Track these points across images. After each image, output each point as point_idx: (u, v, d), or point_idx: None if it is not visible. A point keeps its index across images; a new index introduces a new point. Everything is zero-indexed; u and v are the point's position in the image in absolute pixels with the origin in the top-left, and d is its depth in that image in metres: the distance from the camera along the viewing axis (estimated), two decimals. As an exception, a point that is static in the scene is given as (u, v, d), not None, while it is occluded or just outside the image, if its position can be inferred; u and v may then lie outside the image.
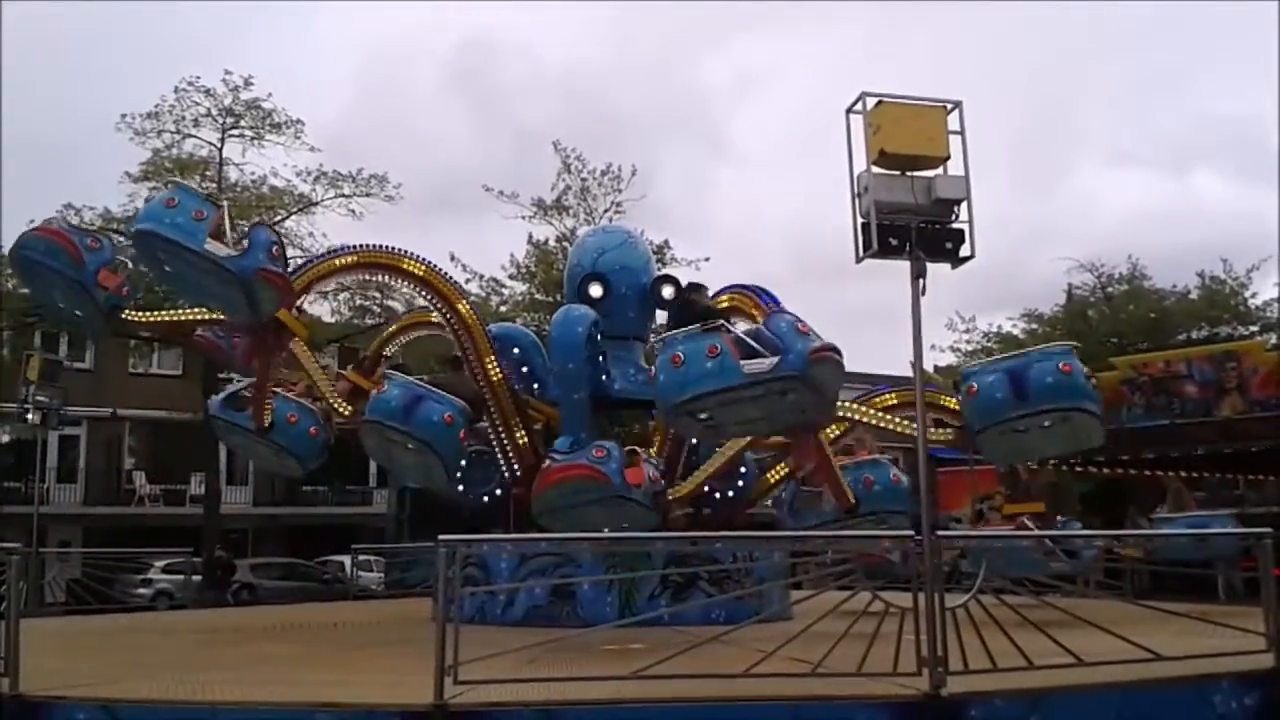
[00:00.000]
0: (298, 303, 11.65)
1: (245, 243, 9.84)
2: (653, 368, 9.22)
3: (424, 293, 12.51)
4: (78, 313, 11.17)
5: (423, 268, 12.19)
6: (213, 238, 9.65)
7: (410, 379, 11.71)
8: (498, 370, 12.28)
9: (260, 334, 11.10)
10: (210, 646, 10.35)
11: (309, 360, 12.90)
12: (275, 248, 10.04)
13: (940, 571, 6.35)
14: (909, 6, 69.03)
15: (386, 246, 12.23)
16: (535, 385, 13.32)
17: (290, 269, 10.91)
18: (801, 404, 9.20)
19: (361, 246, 12.27)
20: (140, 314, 12.59)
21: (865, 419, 12.23)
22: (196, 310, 12.14)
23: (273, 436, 12.22)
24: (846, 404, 11.93)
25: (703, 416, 9.11)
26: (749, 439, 11.61)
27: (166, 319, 13.09)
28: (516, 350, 13.31)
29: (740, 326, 10.12)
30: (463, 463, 11.91)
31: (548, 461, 10.88)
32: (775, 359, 8.73)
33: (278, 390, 12.34)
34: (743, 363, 8.70)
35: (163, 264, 10.06)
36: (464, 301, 12.55)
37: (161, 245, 9.70)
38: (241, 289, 9.74)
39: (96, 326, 11.71)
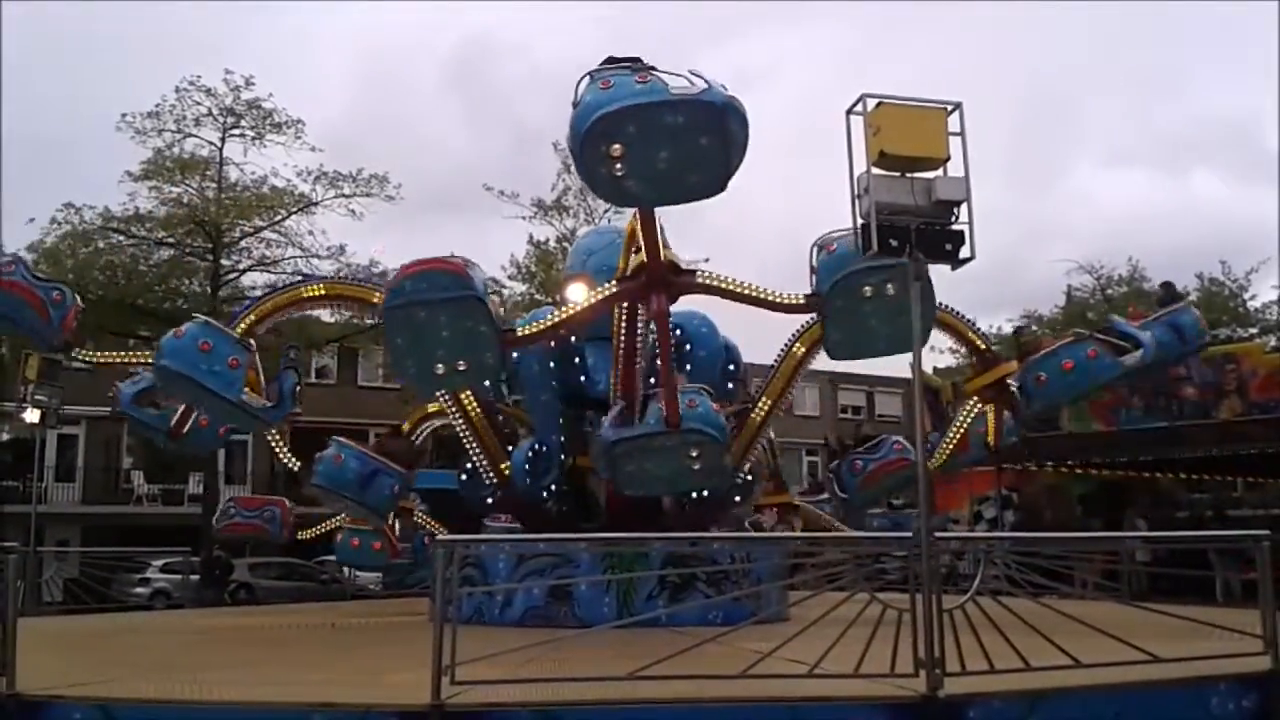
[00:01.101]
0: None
1: (275, 389, 11.40)
2: (575, 100, 8.46)
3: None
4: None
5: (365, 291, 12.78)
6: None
7: (358, 448, 12.52)
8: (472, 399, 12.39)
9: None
10: (207, 646, 10.35)
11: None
12: (298, 388, 11.79)
13: (937, 573, 6.35)
14: (908, 7, 69.13)
15: (356, 278, 12.47)
16: (504, 389, 13.43)
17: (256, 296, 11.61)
18: (712, 150, 8.73)
19: (330, 277, 12.62)
20: (92, 353, 13.09)
21: None
22: (140, 354, 12.88)
23: (182, 442, 12.97)
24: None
25: (615, 153, 8.43)
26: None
27: (114, 359, 13.35)
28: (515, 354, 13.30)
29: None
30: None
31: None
32: (703, 84, 8.39)
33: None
34: (671, 88, 8.37)
35: (180, 390, 10.80)
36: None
37: (193, 388, 10.45)
38: (265, 424, 11.64)
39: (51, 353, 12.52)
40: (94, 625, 13.23)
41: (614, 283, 10.71)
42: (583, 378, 12.86)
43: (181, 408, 12.49)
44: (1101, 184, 65.47)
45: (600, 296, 10.79)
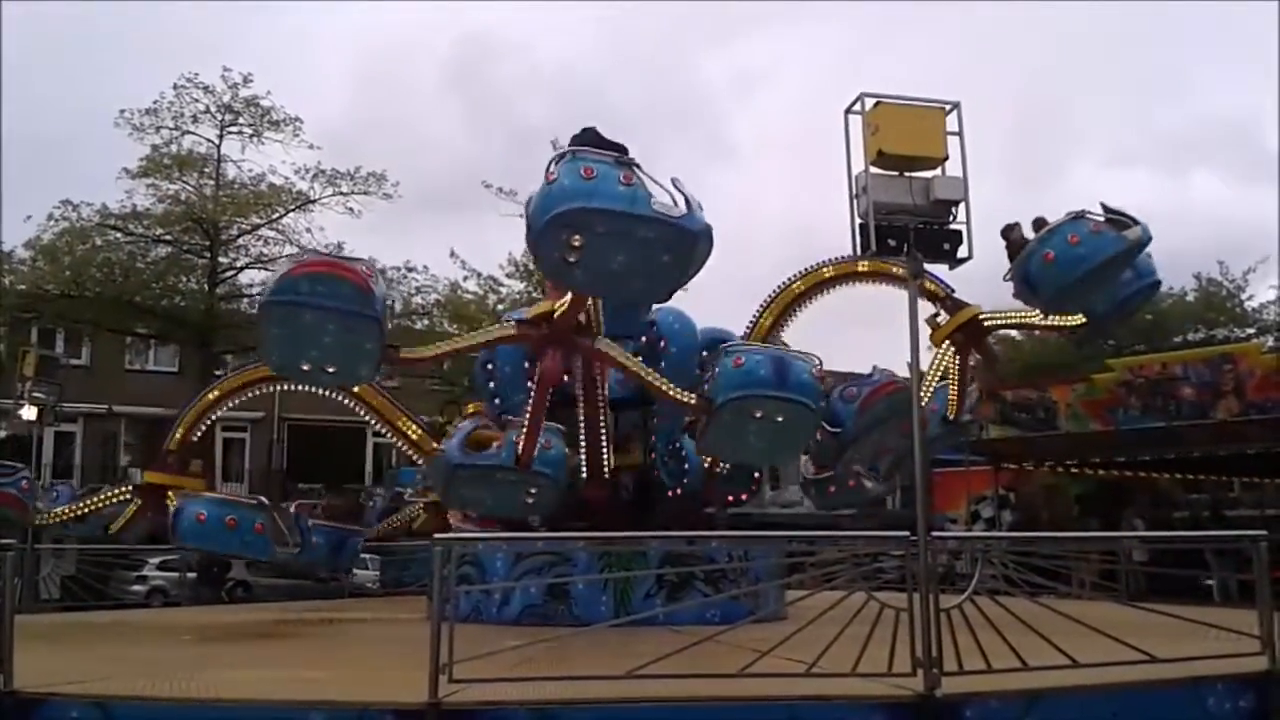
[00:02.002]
0: None
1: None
2: (548, 175, 8.23)
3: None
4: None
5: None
6: None
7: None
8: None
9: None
10: (204, 644, 10.34)
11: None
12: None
13: (935, 572, 6.36)
14: (908, 6, 69.15)
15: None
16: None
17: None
18: (668, 273, 8.84)
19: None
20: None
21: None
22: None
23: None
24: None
25: (575, 243, 8.29)
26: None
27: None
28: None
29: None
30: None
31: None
32: (684, 210, 8.35)
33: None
34: (653, 201, 8.24)
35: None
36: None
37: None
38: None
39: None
40: (91, 622, 13.23)
41: (513, 323, 10.99)
42: (564, 377, 12.82)
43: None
44: (1101, 184, 65.45)
45: (495, 335, 11.07)
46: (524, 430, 10.50)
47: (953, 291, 12.57)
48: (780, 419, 9.93)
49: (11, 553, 6.97)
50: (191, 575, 19.75)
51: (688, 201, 8.27)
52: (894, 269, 11.22)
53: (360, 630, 11.97)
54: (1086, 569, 12.63)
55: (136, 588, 22.79)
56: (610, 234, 8.17)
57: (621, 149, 8.73)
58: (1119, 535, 13.42)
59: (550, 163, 8.36)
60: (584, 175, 8.09)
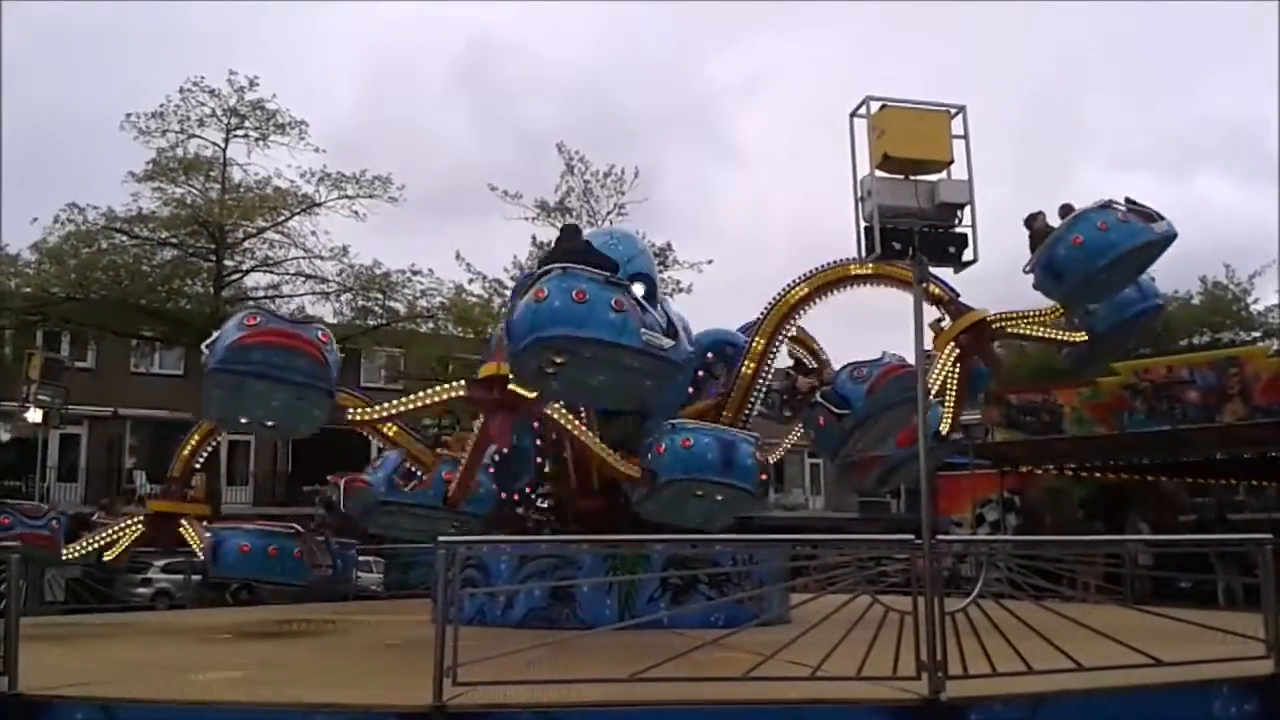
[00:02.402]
0: None
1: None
2: (539, 291, 8.26)
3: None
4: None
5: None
6: None
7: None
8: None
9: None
10: (209, 646, 10.36)
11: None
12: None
13: (940, 576, 6.35)
14: (912, 9, 69.14)
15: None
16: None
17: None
18: (647, 394, 9.10)
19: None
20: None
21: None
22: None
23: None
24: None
25: (558, 360, 8.37)
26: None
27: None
28: None
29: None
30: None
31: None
32: (671, 343, 8.51)
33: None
34: (643, 330, 8.30)
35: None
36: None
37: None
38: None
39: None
40: (96, 625, 13.24)
41: (463, 383, 11.15)
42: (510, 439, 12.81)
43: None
44: (1107, 187, 65.31)
45: (445, 396, 11.24)
46: (460, 471, 11.09)
47: (957, 295, 12.49)
48: (720, 498, 10.28)
49: (16, 555, 6.99)
50: (196, 577, 19.74)
51: (677, 330, 8.58)
52: (898, 271, 11.17)
53: (365, 633, 11.97)
54: (1091, 572, 12.62)
55: (141, 590, 22.80)
56: (595, 359, 8.31)
57: (613, 266, 8.88)
58: (1124, 539, 13.37)
59: (539, 278, 8.39)
60: (575, 299, 8.07)
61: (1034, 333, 12.66)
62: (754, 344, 12.08)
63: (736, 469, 10.05)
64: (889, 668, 6.06)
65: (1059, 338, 12.56)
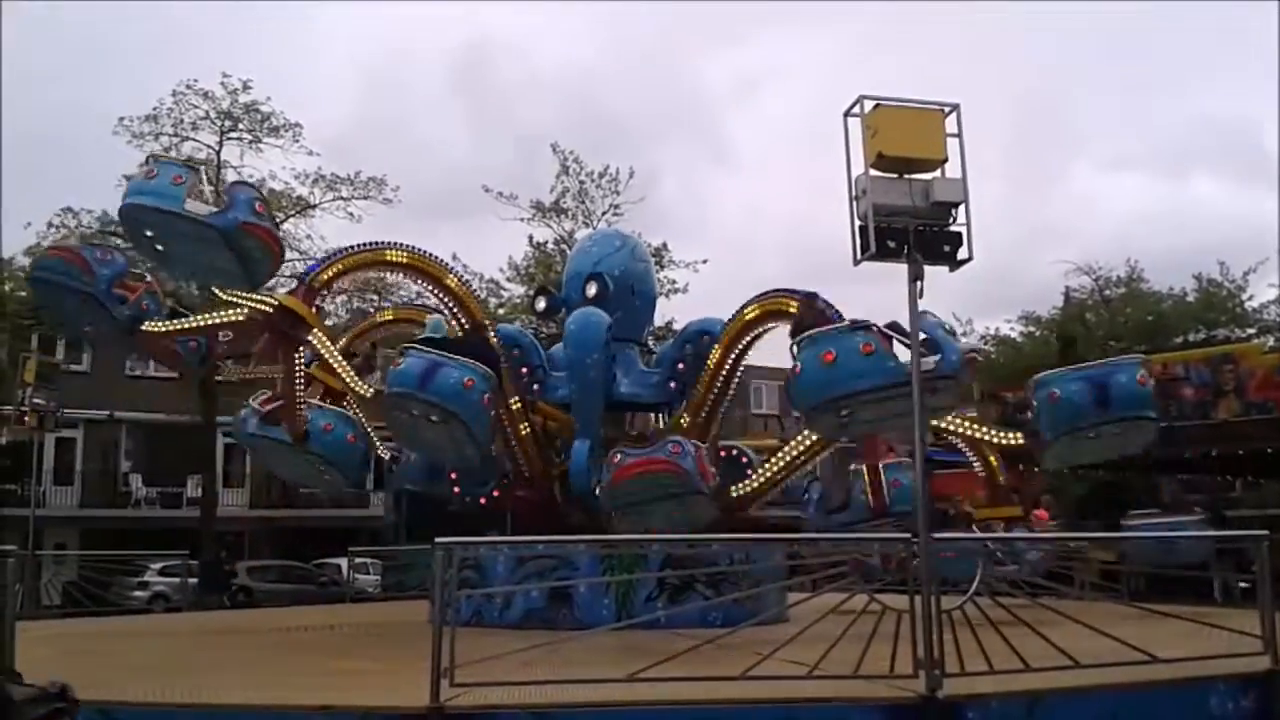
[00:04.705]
0: (317, 300, 11.72)
1: (226, 199, 9.88)
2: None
3: (415, 278, 12.69)
4: (91, 328, 11.21)
5: (405, 254, 12.05)
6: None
7: (422, 348, 10.84)
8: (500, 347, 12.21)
9: (275, 328, 11.08)
10: (207, 649, 10.35)
11: (329, 351, 12.21)
12: (259, 204, 10.02)
13: (936, 574, 6.36)
14: (908, 9, 69.20)
15: (363, 243, 12.23)
16: (535, 386, 13.29)
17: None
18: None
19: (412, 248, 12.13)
20: (162, 325, 11.80)
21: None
22: (213, 316, 11.83)
23: (311, 447, 11.78)
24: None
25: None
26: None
27: (185, 326, 12.22)
28: (517, 351, 13.29)
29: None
30: (493, 436, 11.33)
31: (619, 456, 10.70)
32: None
33: (310, 401, 12.03)
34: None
35: (152, 242, 9.83)
36: (452, 276, 12.39)
37: (145, 216, 9.51)
38: (228, 246, 9.56)
39: (117, 343, 11.58)
40: (93, 628, 13.22)
41: (246, 310, 11.18)
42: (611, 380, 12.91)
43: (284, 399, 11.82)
44: (1101, 186, 65.45)
45: (228, 318, 11.42)
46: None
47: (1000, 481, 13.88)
48: (434, 419, 10.40)
49: (13, 559, 6.98)
50: (193, 581, 19.75)
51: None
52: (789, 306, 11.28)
53: (362, 635, 11.96)
54: (1087, 569, 12.63)
55: (138, 594, 22.82)
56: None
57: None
58: (1120, 536, 13.39)
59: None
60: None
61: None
62: (711, 354, 12.37)
63: (434, 386, 10.08)
64: (886, 666, 6.07)
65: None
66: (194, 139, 28.51)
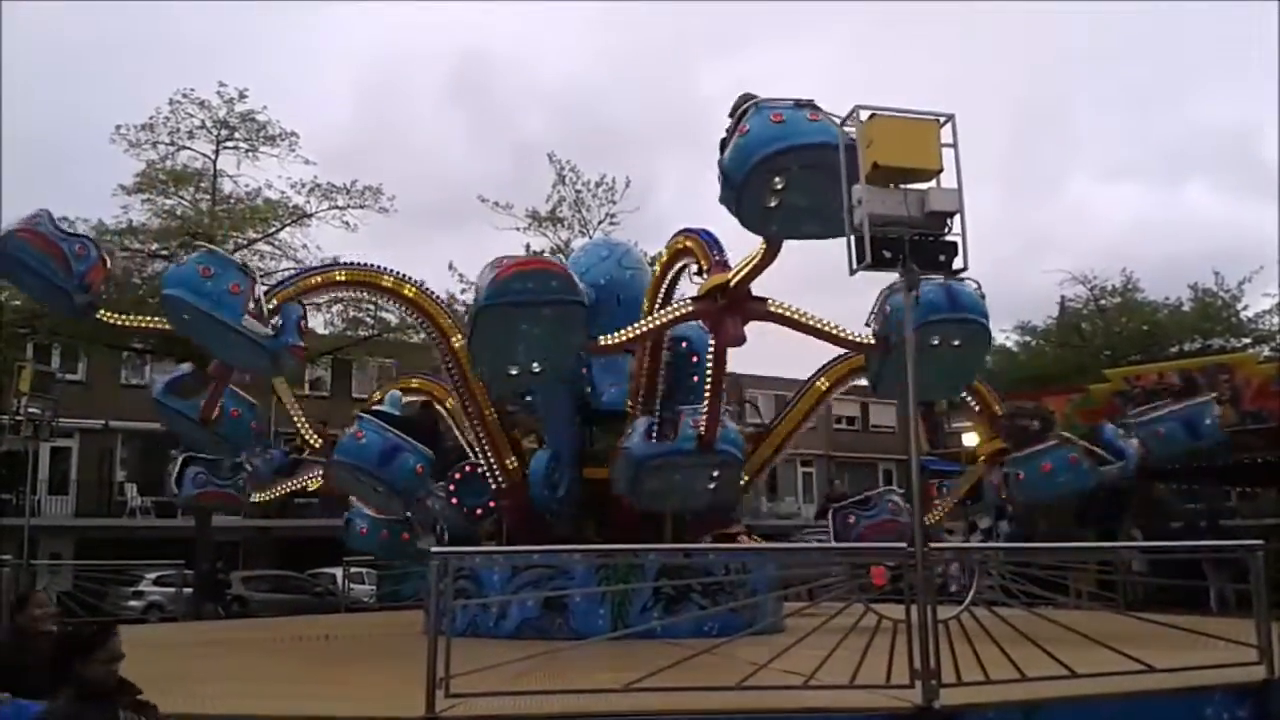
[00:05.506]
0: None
1: (278, 321, 10.59)
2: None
3: (412, 313, 12.79)
4: (45, 304, 11.94)
5: (413, 290, 12.40)
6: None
7: (381, 424, 11.83)
8: (484, 389, 12.39)
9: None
10: (202, 659, 10.32)
11: (285, 391, 13.66)
12: (302, 321, 11.26)
13: (933, 583, 6.36)
14: (905, 18, 69.40)
15: (373, 266, 12.52)
16: (527, 398, 13.29)
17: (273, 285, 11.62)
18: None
19: (352, 265, 12.67)
20: (117, 316, 12.73)
21: None
22: (162, 320, 12.09)
23: (216, 429, 12.53)
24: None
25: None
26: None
27: (142, 324, 13.23)
28: None
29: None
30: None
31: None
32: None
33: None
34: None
35: (188, 325, 10.42)
36: (447, 319, 12.71)
37: (197, 318, 10.13)
38: (270, 359, 10.67)
39: (74, 315, 11.91)
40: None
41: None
42: (588, 389, 12.88)
43: (210, 392, 12.29)
44: (1098, 196, 65.71)
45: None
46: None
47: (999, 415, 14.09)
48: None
49: (7, 569, 6.96)
50: (188, 590, 19.69)
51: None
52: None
53: (357, 644, 11.94)
54: (1084, 579, 12.64)
55: (133, 603, 22.74)
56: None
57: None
58: (1116, 545, 13.41)
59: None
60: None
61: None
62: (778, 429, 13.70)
63: (391, 470, 11.31)
64: (882, 676, 6.06)
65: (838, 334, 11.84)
66: (190, 148, 28.52)
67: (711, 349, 11.19)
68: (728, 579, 10.82)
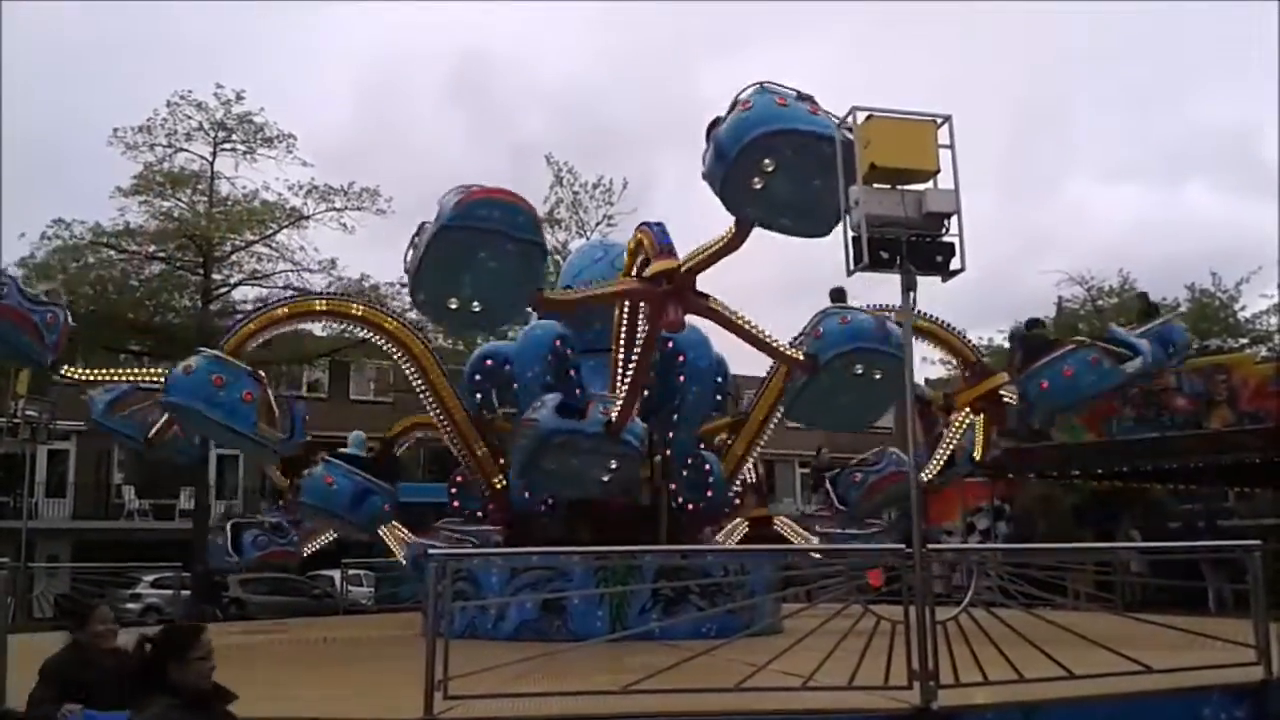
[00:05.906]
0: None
1: (289, 424, 11.44)
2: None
3: (373, 334, 13.01)
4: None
5: (361, 308, 12.96)
6: None
7: (349, 468, 12.55)
8: (457, 403, 12.77)
9: None
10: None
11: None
12: (306, 417, 12.29)
13: (931, 584, 6.36)
14: (905, 18, 69.45)
15: (324, 293, 12.89)
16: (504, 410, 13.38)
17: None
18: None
19: (295, 296, 13.03)
20: (82, 372, 13.32)
21: None
22: (136, 372, 13.03)
23: (159, 449, 13.02)
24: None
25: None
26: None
27: (108, 376, 13.46)
28: (508, 367, 13.26)
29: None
30: None
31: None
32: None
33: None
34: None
35: (197, 426, 11.00)
36: (415, 339, 12.91)
37: (208, 428, 10.79)
38: (278, 454, 11.93)
39: (39, 369, 12.50)
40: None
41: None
42: (577, 391, 12.86)
43: (164, 418, 12.33)
44: (1097, 196, 65.69)
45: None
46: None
47: (981, 357, 14.21)
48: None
49: (4, 571, 6.95)
50: (185, 593, 19.68)
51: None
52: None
53: (355, 647, 11.93)
54: (1082, 580, 12.65)
55: (131, 606, 22.70)
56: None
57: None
58: (1114, 546, 13.42)
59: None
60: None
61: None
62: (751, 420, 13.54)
63: (361, 511, 12.49)
64: (881, 677, 6.06)
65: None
66: (187, 150, 28.52)
67: (643, 334, 10.88)
68: (726, 580, 10.83)
